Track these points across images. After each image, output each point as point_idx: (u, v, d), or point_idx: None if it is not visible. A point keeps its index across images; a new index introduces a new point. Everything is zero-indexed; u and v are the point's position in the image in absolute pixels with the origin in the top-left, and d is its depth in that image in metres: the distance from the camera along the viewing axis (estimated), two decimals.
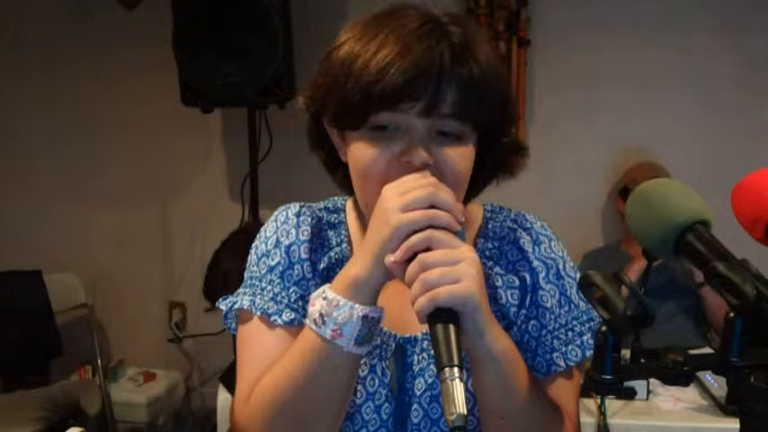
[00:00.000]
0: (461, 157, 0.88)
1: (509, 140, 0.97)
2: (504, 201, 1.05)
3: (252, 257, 1.02)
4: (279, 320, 0.95)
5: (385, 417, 0.96)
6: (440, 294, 0.76)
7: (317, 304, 0.84)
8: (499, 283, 0.98)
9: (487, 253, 1.00)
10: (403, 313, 0.93)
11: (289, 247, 0.99)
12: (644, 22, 3.11)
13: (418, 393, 0.96)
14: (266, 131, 3.17)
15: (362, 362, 0.94)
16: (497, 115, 0.91)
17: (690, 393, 2.22)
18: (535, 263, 0.98)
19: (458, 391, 0.70)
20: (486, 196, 1.03)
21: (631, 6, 3.12)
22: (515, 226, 1.01)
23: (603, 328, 0.69)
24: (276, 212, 1.03)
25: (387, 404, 0.96)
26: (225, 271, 2.31)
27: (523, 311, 0.97)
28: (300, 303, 0.97)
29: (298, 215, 1.01)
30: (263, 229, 1.03)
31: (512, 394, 0.85)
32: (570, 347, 0.95)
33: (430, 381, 0.95)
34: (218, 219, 3.23)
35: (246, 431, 0.92)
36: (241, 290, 1.00)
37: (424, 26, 0.86)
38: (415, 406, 0.96)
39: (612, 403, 2.14)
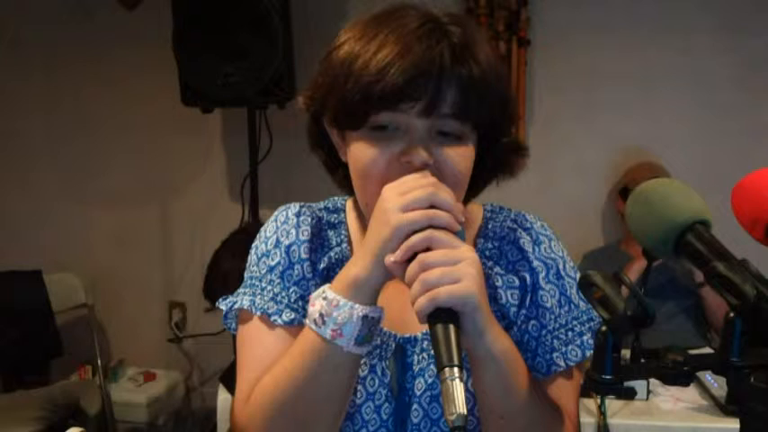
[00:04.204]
0: (461, 157, 0.88)
1: (509, 140, 0.97)
2: (504, 201, 1.05)
3: (252, 257, 1.02)
4: (279, 320, 0.95)
5: (385, 417, 0.96)
6: (440, 294, 0.76)
7: (316, 304, 0.84)
8: (499, 283, 0.98)
9: (487, 253, 1.00)
10: (403, 313, 0.93)
11: (289, 247, 0.99)
12: (644, 22, 3.11)
13: (418, 393, 0.96)
14: (266, 131, 3.17)
15: (362, 362, 0.94)
16: (497, 115, 0.91)
17: (690, 393, 2.22)
18: (535, 263, 0.98)
19: (458, 391, 0.70)
20: (486, 196, 1.03)
21: (631, 6, 3.12)
22: (515, 226, 1.01)
23: (603, 328, 0.69)
24: (276, 212, 1.03)
25: (387, 404, 0.96)
26: (225, 271, 2.31)
27: (523, 311, 0.97)
28: (300, 303, 0.97)
29: (298, 215, 1.01)
30: (263, 229, 1.03)
31: (512, 394, 0.85)
32: (570, 347, 0.95)
33: (430, 381, 0.95)
34: (218, 219, 3.23)
35: (246, 431, 0.92)
36: (241, 290, 1.00)
37: (424, 26, 0.86)
38: (415, 406, 0.96)
39: (612, 403, 2.14)
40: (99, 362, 3.21)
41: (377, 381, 0.96)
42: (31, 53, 3.49)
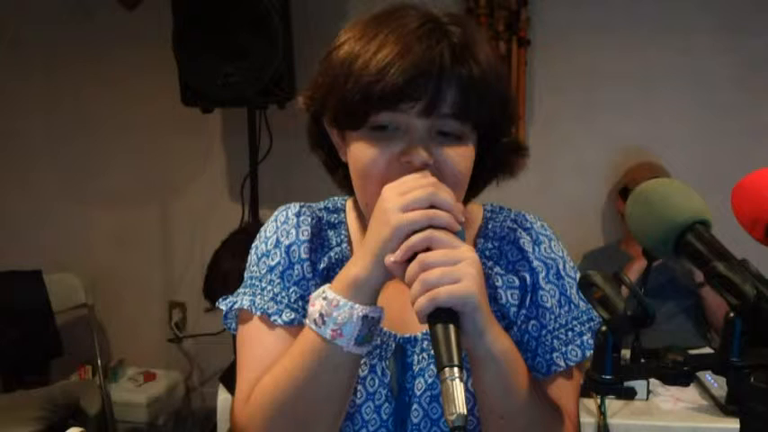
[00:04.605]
0: (461, 157, 0.88)
1: (509, 140, 0.97)
2: (504, 201, 1.05)
3: (252, 257, 1.02)
4: (279, 320, 0.95)
5: (385, 417, 0.96)
6: (440, 294, 0.76)
7: (316, 304, 0.84)
8: (499, 283, 0.98)
9: (487, 253, 1.00)
10: (403, 313, 0.93)
11: (289, 247, 0.99)
12: (644, 22, 3.11)
13: (418, 393, 0.96)
14: (266, 131, 3.17)
15: (362, 362, 0.94)
16: (497, 115, 0.91)
17: (690, 393, 2.22)
18: (535, 263, 0.98)
19: (458, 391, 0.70)
20: (486, 196, 1.03)
21: (631, 6, 3.12)
22: (515, 226, 1.01)
23: (603, 328, 0.69)
24: (276, 212, 1.03)
25: (387, 404, 0.96)
26: (225, 271, 2.31)
27: (523, 311, 0.97)
28: (300, 303, 0.97)
29: (298, 215, 1.01)
30: (263, 229, 1.03)
31: (512, 394, 0.85)
32: (570, 347, 0.95)
33: (430, 381, 0.95)
34: (218, 219, 3.23)
35: (246, 431, 0.92)
36: (241, 290, 1.00)
37: (424, 26, 0.86)
38: (415, 406, 0.96)
39: (612, 403, 2.14)
40: (99, 362, 3.21)
41: (377, 381, 0.96)
42: (31, 53, 3.49)
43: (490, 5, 3.11)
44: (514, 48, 3.12)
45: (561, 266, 0.99)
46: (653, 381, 1.71)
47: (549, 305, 0.97)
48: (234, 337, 1.02)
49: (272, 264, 0.98)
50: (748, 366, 0.65)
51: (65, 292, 3.28)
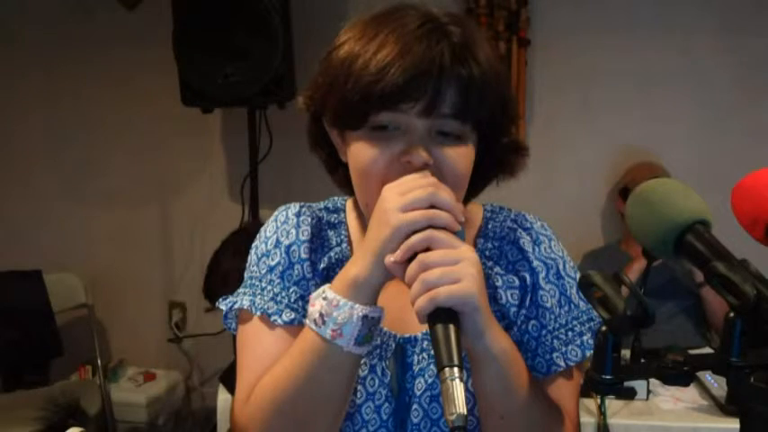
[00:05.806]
0: (461, 157, 0.89)
1: (509, 140, 0.97)
2: (504, 201, 1.05)
3: (252, 257, 1.02)
4: (279, 320, 0.95)
5: (385, 417, 0.96)
6: (440, 294, 0.76)
7: (316, 304, 0.84)
8: (499, 283, 0.98)
9: (487, 253, 1.00)
10: (403, 313, 0.93)
11: (289, 247, 0.99)
12: (644, 23, 3.11)
13: (418, 393, 0.96)
14: (266, 131, 3.17)
15: (362, 362, 0.94)
16: (497, 115, 0.91)
17: (690, 393, 2.22)
18: (535, 263, 0.98)
19: (458, 391, 0.70)
20: (486, 196, 1.03)
21: (631, 6, 3.12)
22: (515, 226, 1.01)
23: (603, 328, 0.69)
24: (276, 212, 1.03)
25: (387, 404, 0.96)
26: (225, 271, 2.31)
27: (523, 311, 0.97)
28: (300, 303, 0.97)
29: (298, 215, 1.01)
30: (263, 229, 1.03)
31: (512, 394, 0.85)
32: (570, 347, 0.96)
33: (430, 381, 0.95)
34: (218, 219, 3.23)
35: (246, 431, 0.92)
36: (241, 290, 1.00)
37: (423, 26, 0.86)
38: (415, 406, 0.96)
39: (612, 403, 2.14)
40: (99, 362, 3.21)
41: (377, 381, 0.96)
42: (31, 52, 3.49)
43: (490, 5, 3.11)
44: (514, 48, 3.12)
45: (561, 266, 0.99)
46: (653, 381, 1.71)
47: (549, 305, 0.97)
48: (234, 337, 1.02)
49: (272, 264, 0.98)
50: (748, 366, 0.65)
51: (65, 292, 3.28)
